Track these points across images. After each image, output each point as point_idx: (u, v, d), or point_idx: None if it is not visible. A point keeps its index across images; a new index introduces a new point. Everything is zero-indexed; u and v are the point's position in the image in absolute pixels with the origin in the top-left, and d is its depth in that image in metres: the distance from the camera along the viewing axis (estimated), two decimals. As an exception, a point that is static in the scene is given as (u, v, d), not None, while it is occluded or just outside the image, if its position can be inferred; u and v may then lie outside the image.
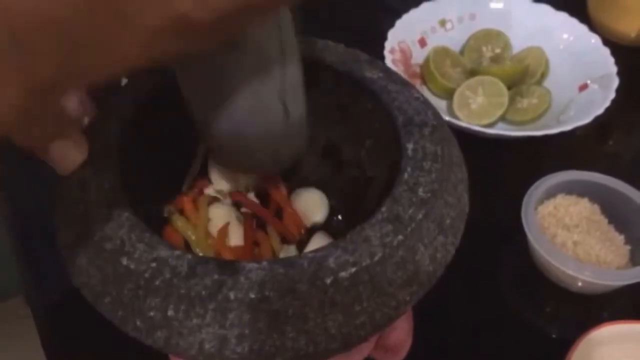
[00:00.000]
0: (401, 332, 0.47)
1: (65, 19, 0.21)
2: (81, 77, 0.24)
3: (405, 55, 0.72)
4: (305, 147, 0.43)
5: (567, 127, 0.61)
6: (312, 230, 0.47)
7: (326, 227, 0.48)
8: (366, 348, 0.43)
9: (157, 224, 0.44)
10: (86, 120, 0.40)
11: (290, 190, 0.49)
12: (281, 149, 0.41)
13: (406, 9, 0.74)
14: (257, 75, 0.36)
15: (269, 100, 0.37)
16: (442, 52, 0.73)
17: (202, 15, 0.23)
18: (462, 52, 0.75)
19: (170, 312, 0.31)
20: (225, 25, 0.25)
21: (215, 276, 0.31)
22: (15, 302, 1.22)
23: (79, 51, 0.22)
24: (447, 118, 0.60)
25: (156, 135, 0.42)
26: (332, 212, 0.48)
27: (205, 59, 0.35)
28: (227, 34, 0.27)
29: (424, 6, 0.75)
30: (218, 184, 0.47)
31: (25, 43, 0.21)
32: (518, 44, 0.75)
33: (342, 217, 0.49)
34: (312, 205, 0.48)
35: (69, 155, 0.34)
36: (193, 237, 0.44)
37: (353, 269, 0.32)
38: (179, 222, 0.44)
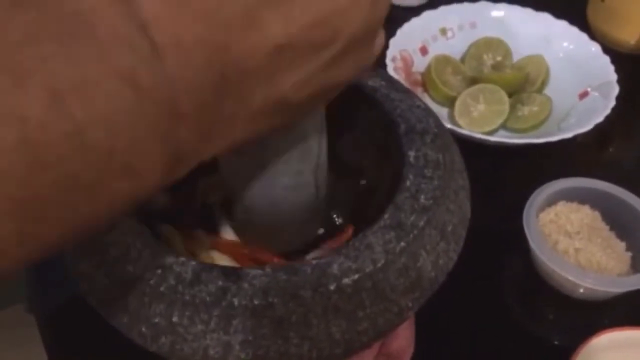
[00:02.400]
0: (403, 340, 0.47)
1: (210, 91, 0.24)
2: (202, 153, 0.26)
3: (407, 64, 0.72)
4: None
5: (568, 135, 0.62)
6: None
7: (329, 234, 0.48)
8: (368, 355, 0.43)
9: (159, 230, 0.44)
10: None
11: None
12: (309, 223, 0.43)
13: (407, 18, 0.74)
14: (299, 153, 0.37)
15: (306, 177, 0.39)
16: (443, 60, 0.73)
17: (298, 96, 0.28)
18: (463, 60, 0.76)
19: (174, 318, 0.31)
20: (311, 104, 0.30)
21: (220, 283, 0.32)
22: (17, 308, 1.22)
23: (210, 124, 0.26)
24: (448, 126, 0.61)
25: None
26: (335, 219, 0.49)
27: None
28: (303, 114, 0.32)
29: (425, 15, 0.75)
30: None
31: (179, 112, 0.24)
32: (519, 52, 0.75)
33: (345, 224, 0.49)
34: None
35: None
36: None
37: (356, 276, 0.32)
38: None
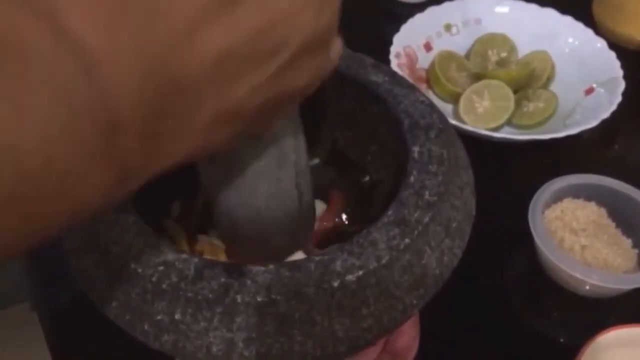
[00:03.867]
0: (408, 337, 0.46)
1: (151, 104, 0.24)
2: (152, 166, 0.26)
3: (411, 60, 0.72)
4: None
5: (574, 131, 0.61)
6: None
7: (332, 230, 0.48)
8: (373, 352, 0.43)
9: (160, 228, 0.44)
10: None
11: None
12: (296, 232, 0.42)
13: (412, 14, 0.74)
14: (275, 160, 0.37)
15: (287, 184, 0.38)
16: (448, 57, 0.73)
17: (249, 105, 0.28)
18: (467, 56, 0.75)
19: (177, 316, 0.31)
20: (268, 113, 0.30)
21: (222, 279, 0.31)
22: (21, 308, 1.22)
23: (156, 138, 0.25)
24: (453, 122, 0.60)
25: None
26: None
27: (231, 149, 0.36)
28: (263, 123, 0.32)
29: (429, 11, 0.75)
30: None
31: (119, 127, 0.23)
32: (523, 48, 0.75)
33: (348, 221, 0.49)
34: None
35: None
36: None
37: (360, 272, 0.32)
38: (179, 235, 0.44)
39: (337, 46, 0.32)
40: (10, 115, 0.20)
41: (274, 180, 0.38)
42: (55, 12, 0.22)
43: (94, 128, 0.22)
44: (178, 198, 0.46)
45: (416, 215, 0.35)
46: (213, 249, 0.44)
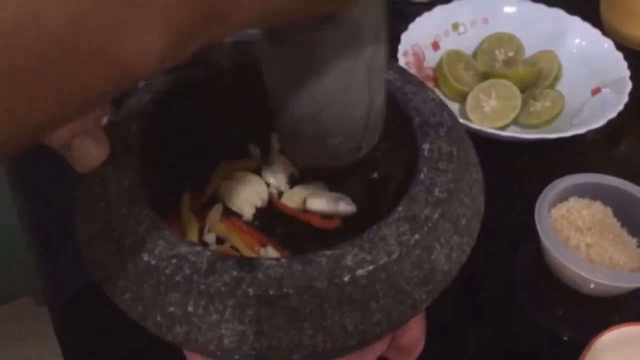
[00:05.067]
0: (414, 332, 0.47)
1: None
2: (212, 27, 0.24)
3: (419, 59, 0.72)
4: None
5: (580, 131, 0.62)
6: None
7: (342, 225, 0.48)
8: (380, 347, 0.44)
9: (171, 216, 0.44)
10: (105, 120, 0.40)
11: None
12: (359, 136, 0.39)
13: (419, 13, 0.74)
14: (350, 51, 0.34)
15: (357, 79, 0.36)
16: (455, 56, 0.73)
17: None
18: (474, 55, 0.76)
19: (190, 308, 0.32)
20: None
21: (234, 273, 0.32)
22: (26, 300, 1.22)
23: None
24: (460, 121, 0.61)
25: (174, 132, 0.43)
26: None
27: (301, 31, 0.33)
28: None
29: (437, 10, 0.75)
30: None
31: None
32: (531, 47, 0.75)
33: (356, 217, 0.49)
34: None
35: (90, 153, 0.35)
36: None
37: (370, 267, 0.32)
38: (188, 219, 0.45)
39: None
40: None
41: (346, 72, 0.35)
42: None
43: None
44: (188, 189, 0.47)
45: (426, 211, 0.35)
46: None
